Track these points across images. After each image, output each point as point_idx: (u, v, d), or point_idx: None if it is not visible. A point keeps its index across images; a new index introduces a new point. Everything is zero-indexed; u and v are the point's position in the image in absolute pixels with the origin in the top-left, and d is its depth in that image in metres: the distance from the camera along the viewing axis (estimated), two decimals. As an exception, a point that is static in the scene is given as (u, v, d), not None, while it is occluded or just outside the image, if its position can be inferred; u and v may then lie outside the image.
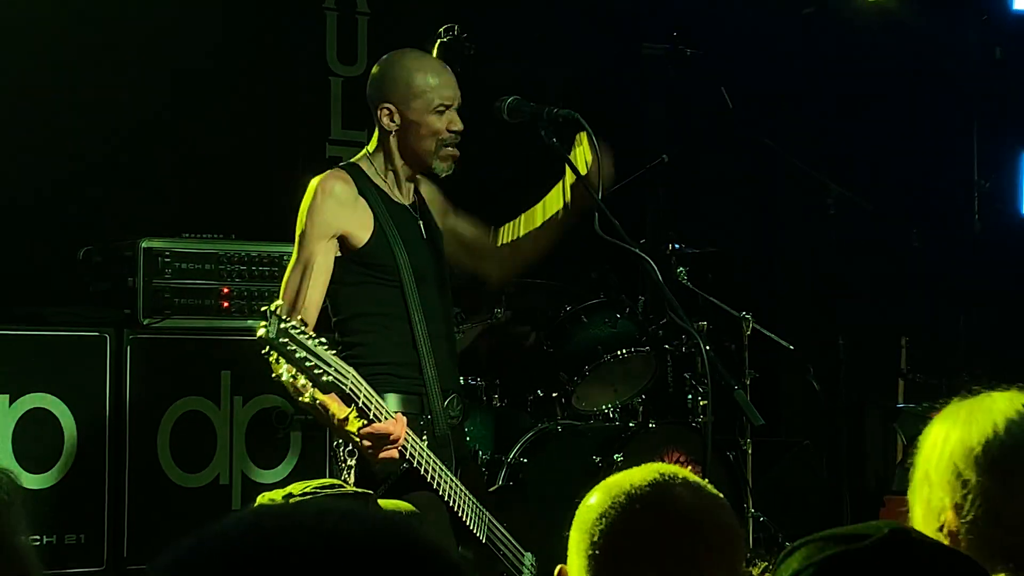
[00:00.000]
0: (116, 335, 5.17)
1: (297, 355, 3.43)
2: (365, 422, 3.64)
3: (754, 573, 5.31)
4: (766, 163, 7.86)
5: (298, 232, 3.97)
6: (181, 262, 5.34)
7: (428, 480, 3.79)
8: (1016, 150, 8.25)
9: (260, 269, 5.48)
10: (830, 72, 8.10)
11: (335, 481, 3.76)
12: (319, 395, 3.55)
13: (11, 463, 4.87)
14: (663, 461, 5.81)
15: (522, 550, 4.10)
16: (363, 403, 3.61)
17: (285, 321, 3.41)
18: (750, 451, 6.13)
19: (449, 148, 4.03)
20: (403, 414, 3.83)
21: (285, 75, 6.65)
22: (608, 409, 6.16)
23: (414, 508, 3.70)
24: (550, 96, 4.24)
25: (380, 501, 3.71)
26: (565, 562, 1.98)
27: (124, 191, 6.09)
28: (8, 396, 4.96)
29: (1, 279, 5.66)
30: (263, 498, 3.64)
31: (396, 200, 4.06)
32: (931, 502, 2.28)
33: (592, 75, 7.46)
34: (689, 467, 5.67)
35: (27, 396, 5.00)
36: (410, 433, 3.74)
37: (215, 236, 5.49)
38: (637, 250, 3.94)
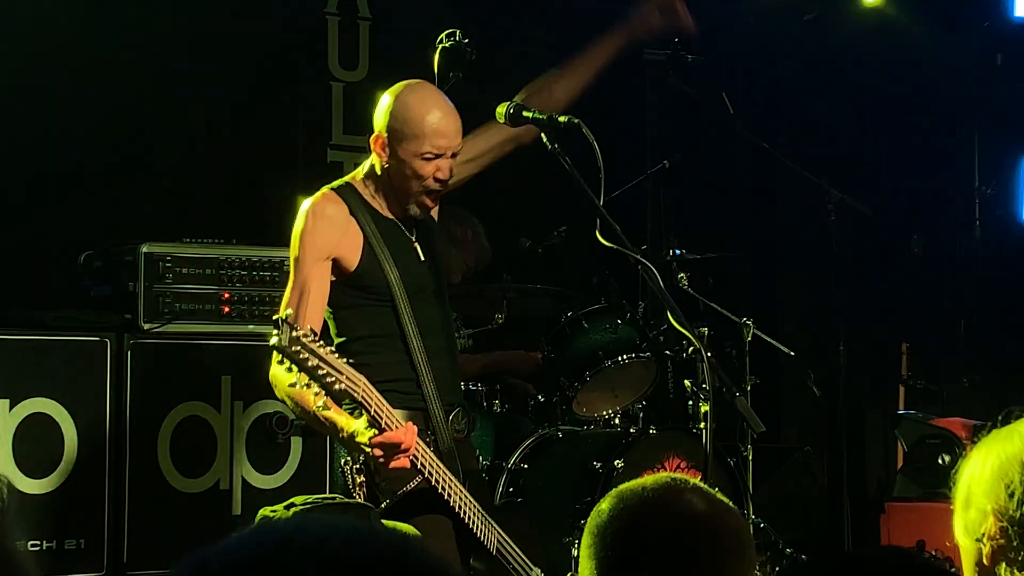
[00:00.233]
0: (117, 340, 5.16)
1: (309, 363, 3.43)
2: (376, 432, 3.64)
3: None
4: (767, 169, 7.86)
5: (292, 257, 3.97)
6: (182, 267, 5.34)
7: (439, 491, 3.79)
8: (1017, 156, 8.25)
9: (261, 274, 5.48)
10: (831, 79, 8.10)
11: (337, 496, 3.76)
12: (330, 404, 3.56)
13: (11, 468, 4.86)
14: (663, 467, 5.85)
15: (531, 564, 4.09)
16: (375, 411, 3.61)
17: (296, 329, 3.41)
18: (751, 457, 6.12)
19: (430, 196, 3.99)
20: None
21: (286, 80, 6.66)
22: (609, 415, 6.16)
23: (414, 529, 3.68)
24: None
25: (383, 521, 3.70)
26: (566, 568, 1.99)
27: (125, 195, 6.09)
28: (8, 401, 4.95)
29: (1, 283, 5.66)
30: (265, 511, 3.64)
31: (387, 217, 4.04)
32: (972, 515, 2.29)
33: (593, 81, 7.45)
34: (689, 473, 5.67)
35: (27, 401, 4.99)
36: (420, 443, 3.74)
37: (216, 241, 5.49)
38: (638, 256, 3.94)
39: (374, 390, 3.61)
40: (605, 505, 1.98)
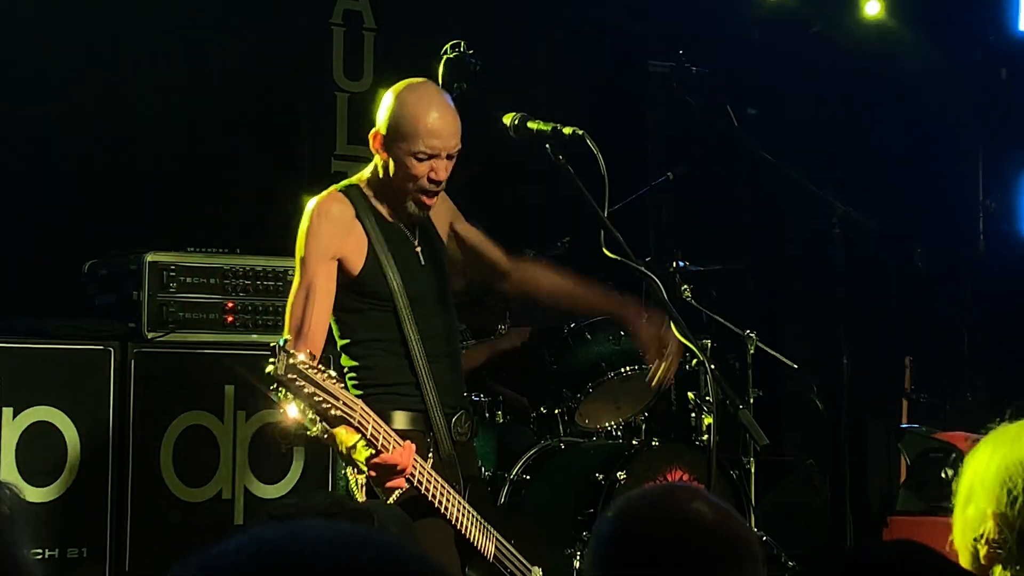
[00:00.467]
0: (120, 348, 5.16)
1: (305, 390, 3.44)
2: (373, 452, 3.64)
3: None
4: (771, 181, 7.87)
5: (298, 257, 3.96)
6: (186, 276, 5.34)
7: (436, 505, 3.79)
8: (1021, 171, 8.25)
9: (265, 284, 5.48)
10: (836, 92, 8.11)
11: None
12: (328, 428, 3.57)
13: (14, 476, 4.86)
14: (666, 480, 5.84)
15: (529, 565, 4.10)
16: (371, 434, 3.62)
17: (293, 356, 3.42)
18: (753, 470, 6.12)
19: (425, 196, 3.97)
20: (409, 431, 3.84)
21: (291, 90, 6.66)
22: (611, 426, 6.15)
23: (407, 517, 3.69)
24: (556, 113, 4.22)
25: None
26: (567, 576, 1.99)
27: (130, 205, 6.10)
28: (12, 409, 4.95)
29: (6, 292, 5.67)
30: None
31: (391, 221, 4.04)
32: (972, 513, 2.29)
33: (598, 92, 7.47)
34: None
35: (31, 409, 4.99)
36: (418, 459, 3.74)
37: (220, 250, 5.49)
38: (642, 267, 3.94)
39: (371, 413, 3.62)
40: (611, 513, 1.99)
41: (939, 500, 6.50)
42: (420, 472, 3.75)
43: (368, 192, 4.04)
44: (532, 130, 4.10)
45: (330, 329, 3.99)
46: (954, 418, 7.43)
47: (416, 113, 3.93)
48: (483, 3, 7.06)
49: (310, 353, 3.51)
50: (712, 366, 3.94)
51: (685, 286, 6.20)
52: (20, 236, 5.84)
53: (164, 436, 5.20)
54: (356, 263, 3.96)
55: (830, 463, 7.30)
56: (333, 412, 3.49)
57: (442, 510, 3.81)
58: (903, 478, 7.07)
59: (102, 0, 6.05)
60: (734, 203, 8.05)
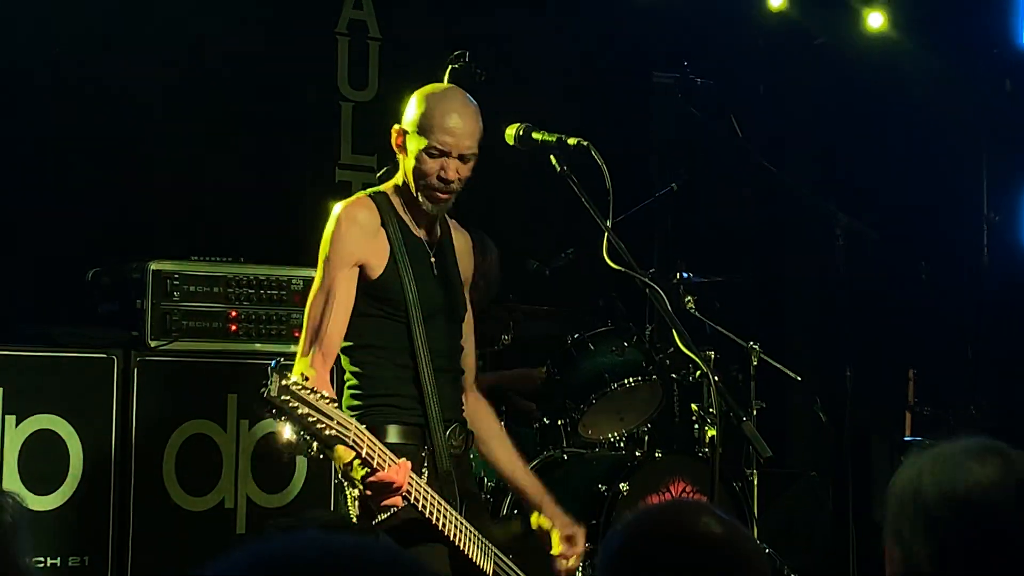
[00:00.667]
0: (124, 357, 5.17)
1: (299, 411, 3.44)
2: (368, 471, 3.65)
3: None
4: (775, 193, 7.87)
5: (321, 258, 3.97)
6: (190, 285, 5.35)
7: (433, 522, 3.79)
8: (1025, 183, 8.25)
9: (268, 293, 5.49)
10: (840, 103, 8.11)
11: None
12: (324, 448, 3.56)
13: (17, 484, 4.86)
14: (669, 491, 5.84)
15: None
16: (366, 453, 3.62)
17: (286, 378, 3.42)
18: (756, 482, 6.11)
19: (437, 194, 3.98)
20: (404, 446, 3.83)
21: (296, 99, 6.67)
22: (614, 438, 6.15)
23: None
24: (560, 124, 4.23)
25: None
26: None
27: (134, 213, 6.10)
28: (15, 416, 4.96)
29: (10, 299, 5.67)
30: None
31: (414, 233, 4.05)
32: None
33: (602, 103, 7.48)
34: (695, 498, 5.66)
35: (34, 417, 4.99)
36: (413, 478, 3.74)
37: (224, 259, 5.50)
38: (646, 279, 3.94)
39: (365, 432, 3.62)
40: (619, 528, 1.99)
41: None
42: (416, 489, 3.75)
43: (394, 200, 4.05)
44: (536, 140, 4.10)
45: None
46: (958, 431, 7.40)
47: (435, 110, 3.97)
48: (487, 13, 7.06)
49: (302, 375, 3.52)
50: (715, 377, 3.93)
51: (688, 297, 6.20)
52: (24, 243, 5.84)
53: (166, 445, 5.20)
54: (376, 268, 3.96)
55: (833, 476, 7.29)
56: (327, 432, 3.49)
57: (439, 527, 3.81)
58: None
59: (107, 8, 6.05)
60: (738, 214, 8.05)
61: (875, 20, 7.96)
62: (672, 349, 6.06)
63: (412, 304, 3.96)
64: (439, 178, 3.96)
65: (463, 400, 4.20)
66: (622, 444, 6.13)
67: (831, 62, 8.04)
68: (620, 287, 6.03)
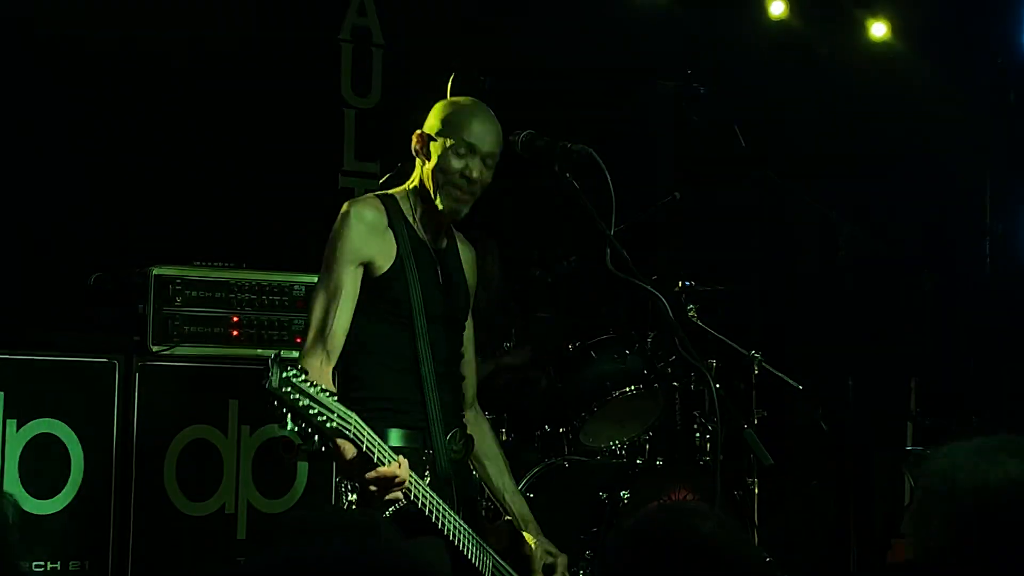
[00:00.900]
0: (125, 362, 5.16)
1: (300, 403, 3.44)
2: (369, 465, 3.65)
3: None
4: (778, 202, 7.87)
5: (327, 255, 3.97)
6: (192, 290, 5.35)
7: (432, 520, 3.79)
8: (1028, 194, 8.25)
9: (270, 298, 5.48)
10: (844, 113, 8.12)
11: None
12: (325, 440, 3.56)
13: (18, 488, 4.86)
14: (670, 499, 5.82)
15: None
16: (366, 448, 3.62)
17: (287, 370, 3.42)
18: (757, 491, 6.11)
19: (458, 192, 4.00)
20: (405, 449, 3.83)
21: (299, 105, 6.67)
22: (615, 446, 6.15)
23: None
24: (563, 131, 4.22)
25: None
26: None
27: (136, 218, 6.10)
28: (16, 421, 4.95)
29: (12, 304, 5.66)
30: None
31: (420, 237, 4.05)
32: None
33: (605, 111, 7.48)
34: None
35: (35, 421, 4.99)
36: (413, 475, 3.74)
37: (226, 265, 5.50)
38: (649, 287, 3.94)
39: (365, 426, 3.62)
40: (620, 531, 1.99)
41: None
42: (415, 487, 3.75)
43: (404, 205, 4.05)
44: (540, 147, 4.10)
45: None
46: (959, 441, 7.40)
47: (462, 113, 4.04)
48: (490, 21, 7.07)
49: (301, 367, 3.51)
50: (717, 386, 3.93)
51: (691, 306, 6.20)
52: (25, 248, 5.84)
53: (168, 449, 5.20)
54: (382, 266, 3.96)
55: (834, 485, 7.28)
56: (329, 425, 3.49)
57: (439, 525, 3.81)
58: (907, 501, 7.05)
59: (108, 13, 6.05)
60: (740, 223, 8.05)
61: (878, 30, 7.97)
62: (674, 357, 6.06)
63: (416, 306, 3.96)
64: (463, 176, 3.98)
65: (463, 408, 4.19)
66: (623, 452, 6.13)
67: (834, 72, 8.04)
68: (622, 295, 6.03)
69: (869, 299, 7.57)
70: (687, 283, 6.32)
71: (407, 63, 6.85)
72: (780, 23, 7.89)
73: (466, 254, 4.25)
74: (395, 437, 3.88)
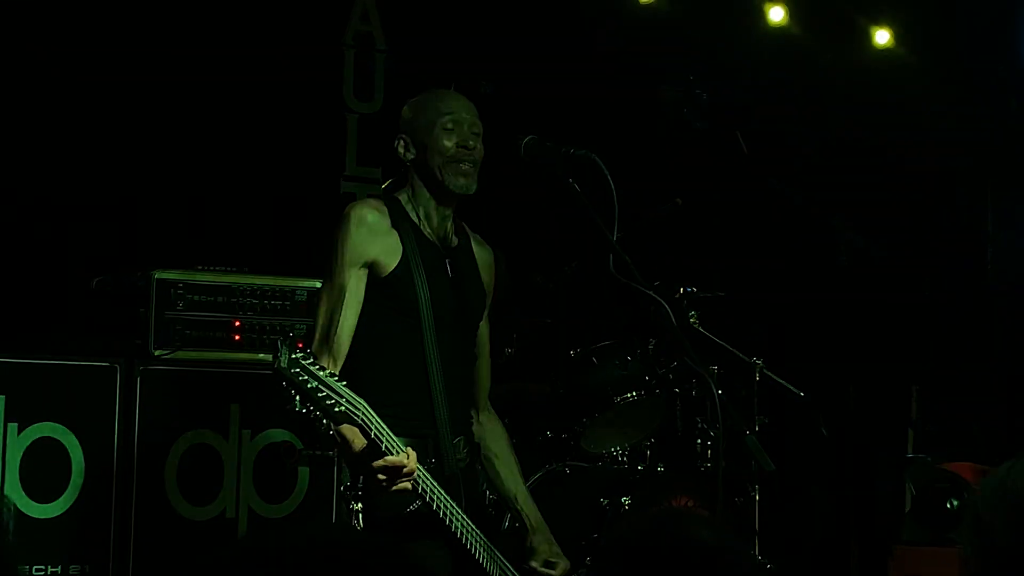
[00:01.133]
0: (127, 366, 5.17)
1: (309, 385, 3.43)
2: (377, 454, 3.64)
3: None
4: (779, 209, 7.86)
5: (329, 258, 3.95)
6: (194, 294, 5.35)
7: (440, 516, 3.77)
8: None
9: (272, 303, 5.48)
10: (845, 120, 8.12)
11: None
12: (334, 426, 3.55)
13: (18, 492, 4.86)
14: (671, 505, 5.81)
15: None
16: (375, 435, 3.60)
17: (296, 351, 3.42)
18: (758, 497, 6.10)
19: (462, 165, 3.99)
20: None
21: (302, 110, 6.67)
22: (617, 451, 6.14)
23: None
24: (565, 136, 4.22)
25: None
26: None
27: (138, 222, 6.10)
28: (17, 424, 4.95)
29: (13, 307, 5.67)
30: None
31: (427, 237, 4.03)
32: None
33: (608, 116, 7.48)
34: (697, 512, 5.65)
35: (36, 425, 4.99)
36: (421, 468, 3.73)
37: (228, 269, 5.50)
38: (651, 292, 3.93)
39: (374, 414, 3.60)
40: (611, 538, 1.99)
41: (945, 531, 6.48)
42: (423, 481, 3.74)
43: (408, 206, 4.03)
44: (542, 153, 4.10)
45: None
46: (961, 448, 7.41)
47: (431, 97, 4.08)
48: (492, 26, 7.07)
49: (309, 351, 3.51)
50: (719, 392, 3.93)
51: (692, 312, 6.19)
52: (28, 252, 5.84)
53: (169, 454, 5.20)
54: (388, 265, 3.93)
55: (835, 492, 7.28)
56: (337, 409, 3.48)
57: (446, 521, 3.79)
58: (909, 508, 7.05)
59: (112, 19, 6.05)
60: (742, 230, 8.05)
61: (881, 37, 7.98)
62: (675, 363, 6.06)
63: (424, 306, 3.92)
64: (459, 147, 3.98)
65: (472, 414, 4.16)
66: (625, 458, 6.13)
67: (837, 78, 8.04)
68: (624, 301, 6.02)
69: (870, 305, 7.57)
70: (688, 289, 6.31)
71: (409, 69, 6.85)
72: (780, 29, 7.90)
73: (482, 254, 4.21)
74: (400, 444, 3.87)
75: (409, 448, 3.70)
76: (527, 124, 4.39)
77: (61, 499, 4.99)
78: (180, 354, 5.28)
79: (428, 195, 4.03)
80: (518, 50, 7.09)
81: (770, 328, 8.11)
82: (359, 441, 3.64)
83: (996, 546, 2.19)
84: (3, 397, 4.93)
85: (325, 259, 3.97)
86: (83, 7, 5.99)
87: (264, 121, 6.51)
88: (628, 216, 4.11)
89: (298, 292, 5.52)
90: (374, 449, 3.62)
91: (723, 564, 1.93)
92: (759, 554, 5.91)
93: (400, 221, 3.99)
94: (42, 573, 4.84)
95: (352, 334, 3.91)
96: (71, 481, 5.02)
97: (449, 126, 3.99)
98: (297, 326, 5.47)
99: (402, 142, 4.05)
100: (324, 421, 3.49)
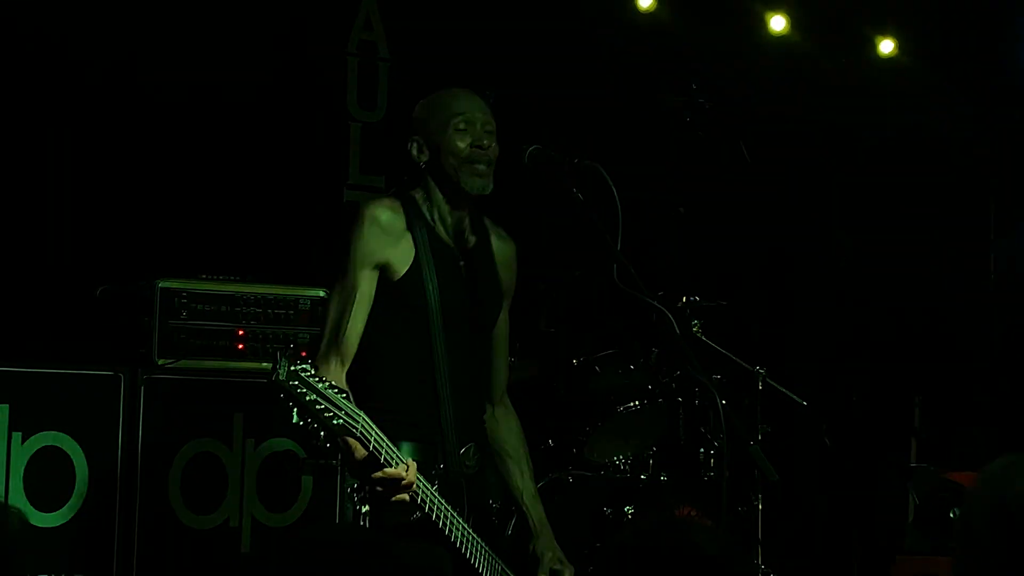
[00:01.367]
0: (130, 375, 5.17)
1: (307, 398, 3.42)
2: (376, 466, 3.63)
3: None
4: (782, 217, 7.87)
5: (341, 257, 3.92)
6: (197, 303, 5.35)
7: (440, 526, 3.77)
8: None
9: (276, 312, 5.48)
10: (848, 129, 8.13)
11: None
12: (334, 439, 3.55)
13: (22, 501, 4.86)
14: (674, 515, 5.80)
15: None
16: (374, 447, 3.59)
17: (295, 364, 3.41)
18: (761, 506, 6.10)
19: (477, 165, 3.96)
20: (415, 462, 3.81)
21: (305, 119, 6.68)
22: (619, 460, 6.14)
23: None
24: (568, 145, 4.23)
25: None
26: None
27: (142, 231, 6.10)
28: (21, 433, 4.95)
29: (17, 316, 5.67)
30: None
31: (442, 238, 4.00)
32: None
33: (610, 125, 7.49)
34: (700, 521, 5.65)
35: (40, 434, 4.99)
36: (421, 479, 3.72)
37: (232, 278, 5.50)
38: (655, 302, 3.93)
39: (374, 425, 3.59)
40: (612, 546, 1.99)
41: (947, 540, 6.47)
42: (424, 491, 3.73)
43: (422, 205, 4.01)
44: (545, 162, 4.09)
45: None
46: (964, 457, 7.41)
47: (443, 96, 4.04)
48: (496, 34, 7.08)
49: (311, 363, 3.50)
50: (723, 401, 3.93)
51: (695, 321, 6.20)
52: (32, 260, 5.85)
53: (172, 463, 5.20)
54: (398, 270, 3.90)
55: (838, 500, 7.28)
56: (335, 421, 3.47)
57: (445, 531, 3.79)
58: (911, 517, 7.04)
59: (118, 24, 6.06)
60: (744, 238, 8.06)
61: (886, 47, 7.99)
62: (678, 372, 6.06)
63: (434, 311, 3.89)
64: (473, 147, 3.94)
65: (484, 416, 4.14)
66: (627, 467, 6.13)
67: (839, 87, 8.05)
68: (626, 310, 6.03)
69: (873, 315, 7.57)
70: (691, 298, 6.31)
71: (413, 77, 6.86)
72: (781, 38, 7.91)
73: (502, 249, 4.18)
74: (406, 450, 3.85)
75: (410, 459, 3.69)
76: (530, 132, 4.40)
77: (65, 508, 4.99)
78: (184, 363, 5.28)
79: (443, 196, 4.00)
80: (521, 58, 7.09)
81: (773, 337, 8.12)
82: (360, 451, 3.63)
83: (983, 554, 2.18)
84: (7, 406, 4.93)
85: (338, 257, 3.94)
86: (88, 12, 5.99)
87: (268, 130, 6.51)
88: (631, 225, 4.12)
89: (301, 301, 5.52)
90: (373, 461, 3.62)
91: (725, 573, 1.93)
92: (762, 563, 5.91)
93: (415, 221, 3.95)
94: (45, 582, 4.84)
95: (361, 335, 3.89)
96: (75, 490, 5.02)
97: (462, 126, 3.96)
98: (300, 335, 5.47)
99: (415, 144, 4.01)
100: (322, 434, 3.49)
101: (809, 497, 7.25)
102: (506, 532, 5.59)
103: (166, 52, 6.20)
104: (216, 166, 6.36)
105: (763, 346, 7.69)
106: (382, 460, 3.61)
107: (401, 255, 3.91)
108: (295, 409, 3.43)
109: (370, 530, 3.75)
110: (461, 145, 3.95)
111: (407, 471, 3.66)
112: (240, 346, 5.40)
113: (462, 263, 4.01)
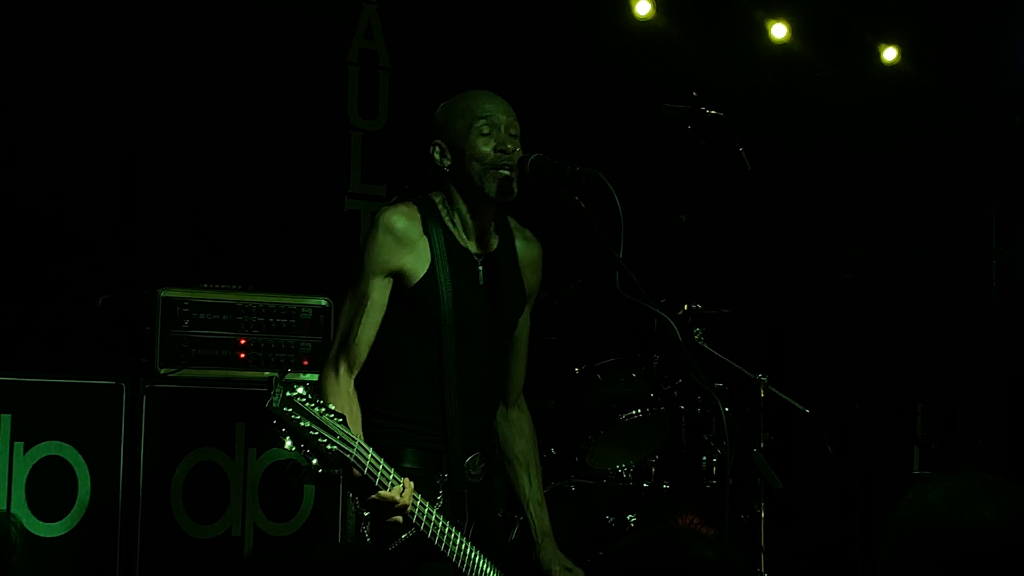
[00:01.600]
0: (132, 384, 5.16)
1: (301, 424, 3.42)
2: (371, 490, 3.64)
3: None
4: (783, 225, 7.86)
5: (357, 263, 3.91)
6: (199, 312, 5.35)
7: (435, 544, 3.77)
8: (1034, 218, 8.26)
9: (278, 321, 5.48)
10: (849, 136, 8.12)
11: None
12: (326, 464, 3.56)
13: (24, 511, 4.85)
14: (676, 523, 5.81)
15: None
16: (368, 471, 3.60)
17: (292, 389, 3.41)
18: (763, 515, 6.09)
19: (501, 171, 3.92)
20: (417, 471, 3.80)
21: (305, 128, 6.68)
22: (622, 469, 6.13)
23: None
24: (570, 154, 4.22)
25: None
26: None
27: (143, 240, 6.11)
28: (23, 443, 4.95)
29: (19, 326, 5.67)
30: None
31: (461, 244, 3.98)
32: None
33: (611, 133, 7.49)
34: (703, 529, 5.65)
35: (41, 444, 4.98)
36: (418, 498, 3.72)
37: (233, 287, 5.50)
38: (657, 310, 3.93)
39: (369, 449, 3.59)
40: (612, 555, 1.99)
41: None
42: (420, 511, 3.73)
43: (442, 209, 3.99)
44: (547, 170, 4.09)
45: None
46: (966, 466, 7.39)
47: (467, 99, 3.99)
48: (497, 44, 7.09)
49: (308, 386, 3.50)
50: (726, 408, 3.92)
51: (697, 329, 6.19)
52: (33, 270, 5.85)
53: (174, 472, 5.19)
54: (413, 278, 3.89)
55: (841, 509, 7.26)
56: (329, 447, 3.47)
57: (441, 548, 3.78)
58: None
59: (114, 39, 6.06)
60: (746, 247, 8.05)
61: (889, 54, 8.00)
62: (680, 380, 6.06)
63: (446, 319, 3.88)
64: (497, 151, 3.91)
65: (495, 422, 4.13)
66: (630, 475, 6.12)
67: (840, 94, 8.05)
68: (628, 318, 6.03)
69: (875, 323, 7.56)
70: (693, 306, 6.31)
71: (414, 86, 6.86)
72: (782, 46, 7.91)
73: (526, 251, 4.16)
74: (411, 457, 3.85)
75: (406, 480, 3.69)
76: (532, 141, 4.39)
77: (67, 518, 4.99)
78: (186, 372, 5.28)
79: (465, 201, 3.98)
80: (522, 67, 7.10)
81: (775, 345, 8.11)
82: (356, 471, 3.64)
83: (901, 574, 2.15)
84: (9, 416, 4.93)
85: (353, 264, 3.94)
86: (89, 24, 5.99)
87: (268, 139, 6.51)
88: (633, 233, 4.12)
89: (303, 310, 5.52)
90: (368, 484, 3.62)
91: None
92: (765, 571, 5.90)
93: (432, 226, 3.93)
94: (48, 592, 4.84)
95: (371, 342, 3.88)
96: (77, 500, 5.01)
97: (486, 130, 3.93)
98: (302, 344, 5.47)
99: (437, 148, 3.98)
100: (314, 461, 3.49)
101: (812, 505, 7.24)
102: (509, 540, 5.60)
103: (167, 62, 6.21)
104: (217, 175, 6.36)
105: (765, 353, 7.69)
106: (376, 483, 3.62)
107: (416, 261, 3.90)
108: (288, 437, 3.44)
109: (376, 550, 3.75)
110: (485, 150, 3.92)
111: (402, 493, 3.66)
112: (242, 355, 5.40)
113: (481, 268, 3.99)
